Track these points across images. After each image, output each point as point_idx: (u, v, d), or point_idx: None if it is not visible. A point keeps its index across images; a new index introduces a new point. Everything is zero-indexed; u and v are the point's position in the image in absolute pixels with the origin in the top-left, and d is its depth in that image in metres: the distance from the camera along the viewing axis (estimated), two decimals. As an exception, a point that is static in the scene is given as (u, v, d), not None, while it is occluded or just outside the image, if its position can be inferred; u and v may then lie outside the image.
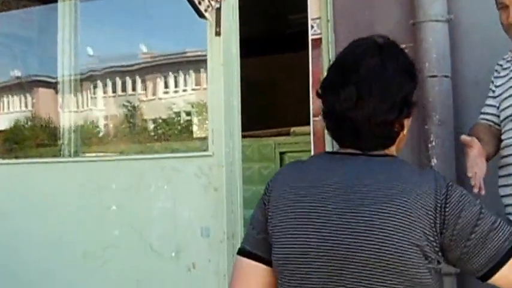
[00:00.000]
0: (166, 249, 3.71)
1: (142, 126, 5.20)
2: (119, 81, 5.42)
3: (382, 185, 1.54)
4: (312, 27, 3.24)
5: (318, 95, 1.73)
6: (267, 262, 1.66)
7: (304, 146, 4.59)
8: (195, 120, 5.19)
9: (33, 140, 5.13)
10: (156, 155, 3.93)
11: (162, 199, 3.77)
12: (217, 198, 3.58)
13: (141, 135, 5.19)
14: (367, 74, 1.62)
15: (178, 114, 5.48)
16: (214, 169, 3.60)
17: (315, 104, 3.18)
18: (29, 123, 5.35)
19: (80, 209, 3.99)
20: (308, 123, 4.64)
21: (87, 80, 4.81)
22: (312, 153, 3.19)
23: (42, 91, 5.34)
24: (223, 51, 3.58)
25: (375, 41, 1.70)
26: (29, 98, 5.47)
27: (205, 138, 3.82)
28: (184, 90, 5.71)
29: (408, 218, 1.49)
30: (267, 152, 5.29)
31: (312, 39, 3.23)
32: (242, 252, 1.71)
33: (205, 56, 3.64)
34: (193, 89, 5.58)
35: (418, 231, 1.49)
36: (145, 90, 5.51)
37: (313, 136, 3.20)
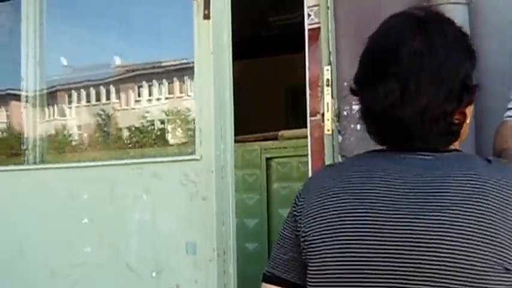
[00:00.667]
0: (145, 268, 3.23)
1: (117, 134, 4.93)
2: (93, 91, 5.25)
3: (453, 185, 1.28)
4: (309, 15, 2.90)
5: (353, 92, 1.50)
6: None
7: (294, 151, 4.57)
8: (169, 128, 4.87)
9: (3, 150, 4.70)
10: (132, 160, 3.41)
11: (140, 210, 3.29)
12: (205, 208, 3.10)
13: (116, 143, 4.79)
14: (411, 61, 1.35)
15: (151, 122, 5.20)
16: (202, 175, 3.11)
17: (312, 102, 2.87)
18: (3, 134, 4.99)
19: (46, 222, 3.49)
20: (297, 127, 4.31)
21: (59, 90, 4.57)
22: (310, 157, 2.88)
23: (13, 104, 4.92)
24: (213, 37, 3.09)
25: (414, 16, 1.43)
26: (3, 111, 5.17)
27: (183, 144, 3.31)
28: (158, 99, 5.54)
29: (491, 226, 1.23)
30: (252, 158, 4.91)
31: (309, 30, 2.89)
32: (267, 278, 1.49)
33: (181, 65, 3.15)
34: (166, 98, 5.39)
35: (503, 241, 1.23)
36: (119, 99, 5.40)
37: (310, 137, 2.87)
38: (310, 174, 2.74)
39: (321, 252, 1.36)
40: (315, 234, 1.38)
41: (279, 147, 4.80)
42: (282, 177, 4.73)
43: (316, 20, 2.87)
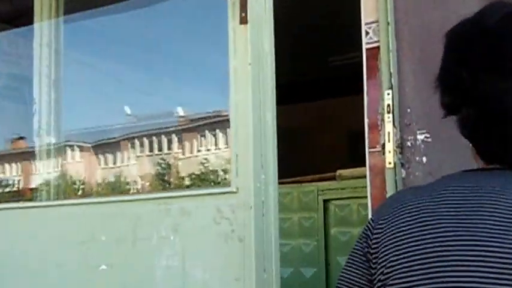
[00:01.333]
0: (173, 324, 2.65)
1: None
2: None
3: None
4: (367, 33, 2.63)
5: (442, 95, 1.25)
6: None
7: (352, 192, 4.27)
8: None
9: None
10: (157, 195, 2.87)
11: (167, 254, 2.73)
12: (243, 251, 2.54)
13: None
14: None
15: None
16: (239, 211, 2.56)
17: (371, 132, 2.57)
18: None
19: (59, 268, 2.97)
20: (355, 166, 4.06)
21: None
22: (369, 193, 2.53)
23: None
24: (252, 44, 2.56)
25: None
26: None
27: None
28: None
29: None
30: (308, 200, 4.58)
31: (367, 50, 2.61)
32: None
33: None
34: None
35: None
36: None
37: (369, 173, 2.54)
38: (370, 214, 2.40)
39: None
40: (397, 273, 1.12)
41: (337, 188, 4.45)
42: (341, 221, 4.42)
43: (375, 39, 2.59)
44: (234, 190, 2.56)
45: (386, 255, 1.16)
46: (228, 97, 2.63)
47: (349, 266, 1.25)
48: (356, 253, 1.24)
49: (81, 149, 6.12)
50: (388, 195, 2.36)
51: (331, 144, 7.40)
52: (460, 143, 1.35)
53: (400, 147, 2.46)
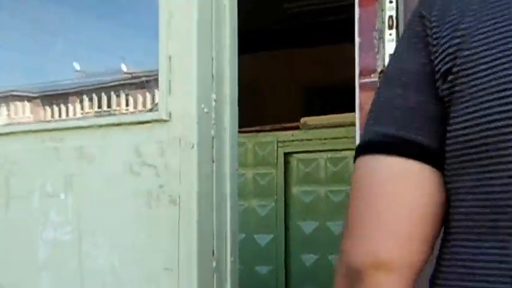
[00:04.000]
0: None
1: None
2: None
3: None
4: None
5: None
6: (430, 156, 0.83)
7: (320, 145, 3.88)
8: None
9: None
10: (40, 125, 1.83)
11: (55, 222, 1.71)
12: (177, 222, 1.53)
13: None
14: None
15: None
16: (171, 153, 1.53)
17: (362, 55, 1.94)
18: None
19: None
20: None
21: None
22: (358, 136, 1.93)
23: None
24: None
25: None
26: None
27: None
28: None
29: None
30: (266, 153, 4.03)
31: None
32: (373, 146, 0.85)
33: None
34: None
35: None
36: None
37: (359, 111, 1.93)
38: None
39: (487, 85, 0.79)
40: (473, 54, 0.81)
41: (302, 139, 3.96)
42: (305, 178, 3.92)
43: None
44: (164, 117, 1.51)
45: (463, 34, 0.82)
46: None
47: (398, 48, 0.93)
48: (411, 39, 0.88)
49: (28, 99, 6.29)
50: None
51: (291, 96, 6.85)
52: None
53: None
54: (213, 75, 1.53)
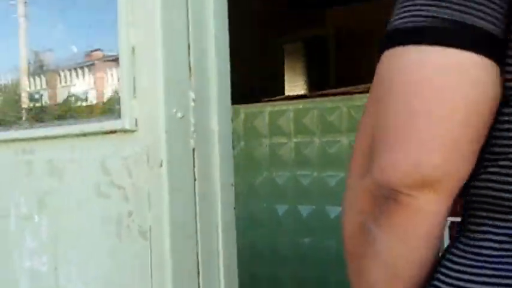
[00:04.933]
0: None
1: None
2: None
3: None
4: None
5: None
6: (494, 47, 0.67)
7: None
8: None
9: None
10: (10, 133, 1.51)
11: (30, 248, 1.40)
12: (149, 260, 1.18)
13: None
14: None
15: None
16: (140, 172, 1.16)
17: None
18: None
19: None
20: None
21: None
22: None
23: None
24: None
25: None
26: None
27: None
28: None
29: None
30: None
31: None
32: (420, 31, 0.67)
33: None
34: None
35: None
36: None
37: None
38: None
39: None
40: None
41: None
42: None
43: None
44: (127, 127, 1.16)
45: None
46: None
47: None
48: None
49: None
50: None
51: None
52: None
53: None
54: (190, 67, 1.16)
